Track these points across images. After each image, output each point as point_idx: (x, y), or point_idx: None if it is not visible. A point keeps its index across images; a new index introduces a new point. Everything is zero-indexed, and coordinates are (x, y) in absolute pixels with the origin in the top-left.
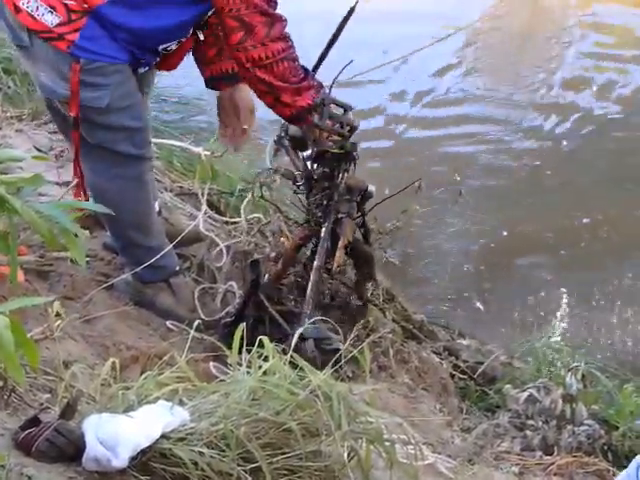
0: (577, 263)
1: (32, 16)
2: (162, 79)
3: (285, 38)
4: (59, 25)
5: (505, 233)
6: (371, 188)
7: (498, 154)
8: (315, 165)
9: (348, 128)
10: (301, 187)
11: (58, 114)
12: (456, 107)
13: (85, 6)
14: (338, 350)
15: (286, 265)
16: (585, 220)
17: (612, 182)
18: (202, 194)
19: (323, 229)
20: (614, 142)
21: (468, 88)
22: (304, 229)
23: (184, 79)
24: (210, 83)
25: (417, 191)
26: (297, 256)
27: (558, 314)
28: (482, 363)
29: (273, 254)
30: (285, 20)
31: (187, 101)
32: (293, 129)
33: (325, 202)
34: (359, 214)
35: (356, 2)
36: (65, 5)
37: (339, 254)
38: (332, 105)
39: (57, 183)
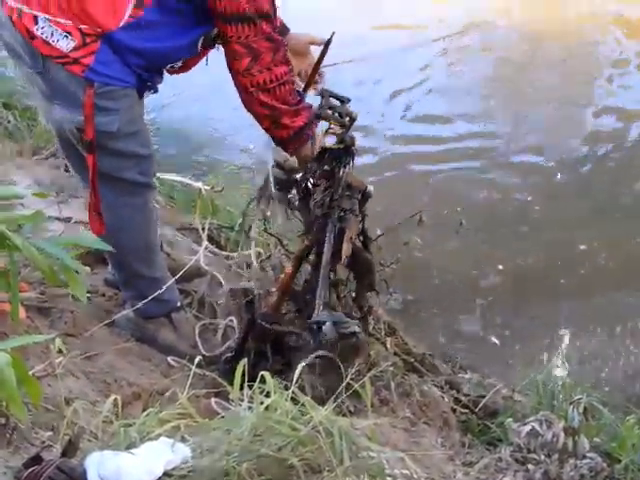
0: (577, 293)
1: (47, 42)
2: (162, 113)
3: (287, 62)
4: (74, 49)
5: (504, 266)
6: (370, 188)
7: (492, 188)
8: (315, 165)
9: (347, 119)
10: (297, 203)
11: (69, 146)
12: (444, 143)
13: (98, 30)
14: (355, 333)
15: (285, 289)
16: (582, 247)
17: (605, 212)
18: (203, 229)
19: (329, 224)
20: (605, 174)
21: (457, 121)
22: (303, 241)
23: (183, 113)
24: None
25: (419, 223)
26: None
27: (559, 346)
28: (484, 397)
29: (273, 289)
30: (287, 44)
31: (186, 135)
32: (276, 172)
33: (328, 199)
34: (360, 218)
35: (332, 34)
36: (79, 29)
37: (346, 246)
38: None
39: (58, 218)
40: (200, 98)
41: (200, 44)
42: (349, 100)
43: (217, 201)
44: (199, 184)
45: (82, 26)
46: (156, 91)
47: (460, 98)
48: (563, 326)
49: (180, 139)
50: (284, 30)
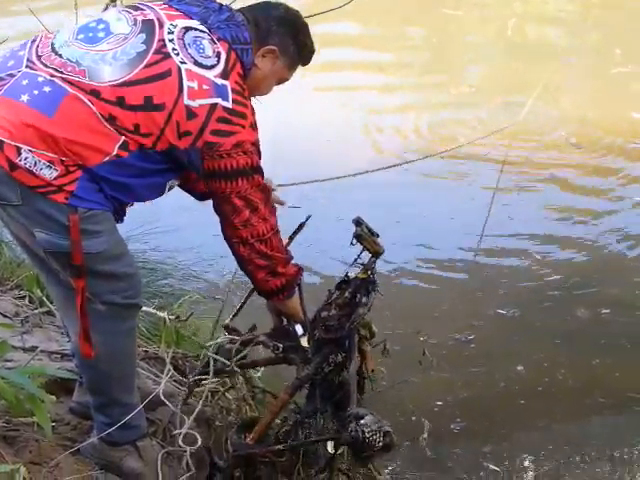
0: (539, 420)
1: (30, 171)
2: (130, 244)
3: (275, 213)
4: (58, 177)
5: (468, 393)
6: (374, 329)
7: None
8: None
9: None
10: (282, 352)
11: (50, 274)
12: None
13: (80, 162)
14: (390, 432)
15: (276, 412)
16: (546, 378)
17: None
18: (167, 358)
19: (352, 338)
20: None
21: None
22: (302, 369)
23: (148, 244)
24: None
25: (384, 352)
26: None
27: (529, 474)
28: None
29: (236, 419)
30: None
31: (152, 266)
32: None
33: (348, 324)
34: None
35: (307, 217)
36: (62, 161)
37: (371, 362)
38: None
39: (22, 348)
40: (169, 230)
41: (168, 188)
42: (378, 235)
43: (182, 330)
44: (164, 314)
45: (64, 158)
46: (122, 221)
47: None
48: (526, 452)
49: (145, 270)
50: None
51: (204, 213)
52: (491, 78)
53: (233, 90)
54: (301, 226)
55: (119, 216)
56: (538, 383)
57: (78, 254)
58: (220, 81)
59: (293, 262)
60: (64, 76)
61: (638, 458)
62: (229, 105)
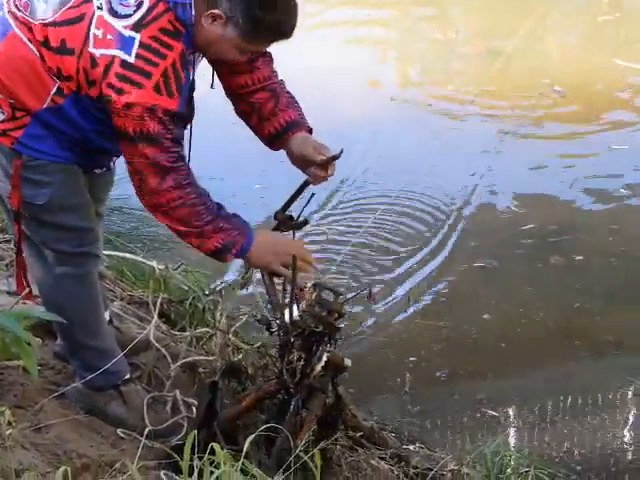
0: (526, 365)
1: None
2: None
3: (180, 187)
4: (3, 122)
5: (454, 335)
6: (347, 362)
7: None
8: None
9: (336, 315)
10: (276, 335)
11: (4, 207)
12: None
13: (26, 107)
14: None
15: (245, 410)
16: (525, 321)
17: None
18: (153, 303)
19: (292, 402)
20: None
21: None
22: (272, 385)
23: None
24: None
25: (371, 297)
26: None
27: (509, 419)
28: (432, 469)
29: (220, 365)
30: (183, 169)
31: (139, 212)
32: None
33: (299, 375)
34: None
35: (340, 151)
36: (10, 103)
37: (305, 429)
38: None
39: (7, 292)
40: None
41: None
42: (341, 294)
43: (170, 279)
44: (153, 263)
45: (11, 100)
46: (108, 168)
47: None
48: (511, 399)
49: (129, 215)
50: (295, 124)
51: (196, 162)
52: (476, 23)
53: (141, 44)
54: (335, 157)
55: (99, 162)
56: (516, 326)
57: (15, 200)
58: (128, 33)
59: (222, 236)
60: (16, 12)
61: (619, 401)
62: (130, 60)
